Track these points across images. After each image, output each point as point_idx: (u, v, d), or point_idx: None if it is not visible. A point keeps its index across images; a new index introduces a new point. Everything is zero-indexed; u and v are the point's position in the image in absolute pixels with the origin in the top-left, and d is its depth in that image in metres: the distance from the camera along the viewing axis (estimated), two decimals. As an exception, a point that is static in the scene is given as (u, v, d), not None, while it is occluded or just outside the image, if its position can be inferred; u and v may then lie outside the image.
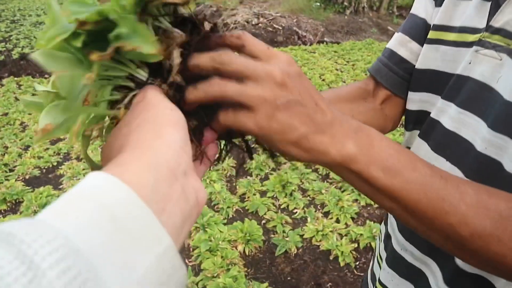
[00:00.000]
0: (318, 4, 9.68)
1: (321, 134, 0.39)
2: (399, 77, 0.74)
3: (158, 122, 0.31)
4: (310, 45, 7.58)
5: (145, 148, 0.29)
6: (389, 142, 0.42)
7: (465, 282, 0.59)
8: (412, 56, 0.73)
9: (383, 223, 0.90)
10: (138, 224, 0.24)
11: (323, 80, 5.39)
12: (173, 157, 0.29)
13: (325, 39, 8.00)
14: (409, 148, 0.74)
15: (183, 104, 0.37)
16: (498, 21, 0.55)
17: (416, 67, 0.71)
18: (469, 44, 0.60)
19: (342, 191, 2.87)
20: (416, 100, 0.71)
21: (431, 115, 0.66)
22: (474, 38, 0.59)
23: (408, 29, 0.75)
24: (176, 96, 0.37)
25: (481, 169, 0.55)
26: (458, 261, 0.59)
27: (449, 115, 0.62)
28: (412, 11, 0.76)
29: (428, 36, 0.69)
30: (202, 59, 0.38)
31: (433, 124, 0.65)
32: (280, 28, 8.01)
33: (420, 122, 0.71)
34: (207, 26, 0.41)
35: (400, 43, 0.75)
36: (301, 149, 0.39)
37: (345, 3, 9.47)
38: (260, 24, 8.08)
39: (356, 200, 2.77)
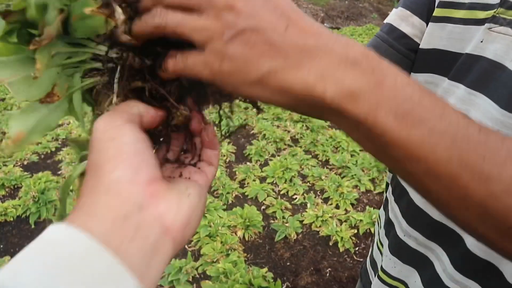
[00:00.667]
0: (318, -12, 9.58)
1: (297, 68, 0.29)
2: (400, 53, 0.70)
3: (99, 163, 0.29)
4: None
5: (87, 197, 0.28)
6: (408, 80, 0.30)
7: (475, 267, 0.57)
8: (414, 31, 0.69)
9: (382, 208, 0.88)
10: (97, 271, 0.24)
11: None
12: (117, 201, 0.27)
13: (325, 24, 7.92)
14: None
15: (136, 43, 0.33)
16: None
17: (420, 47, 0.68)
18: (480, 22, 0.57)
19: (342, 177, 2.86)
20: (420, 82, 0.69)
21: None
22: (486, 14, 0.56)
23: (409, 3, 0.70)
24: (144, 62, 0.33)
25: None
26: (469, 244, 0.57)
27: (456, 96, 0.59)
28: None
29: (434, 14, 0.65)
30: (138, 26, 0.32)
31: None
32: (280, 13, 7.95)
33: None
34: None
35: (401, 18, 0.71)
36: (271, 90, 0.30)
37: (346, -12, 9.36)
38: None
39: (356, 186, 2.77)
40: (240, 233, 2.35)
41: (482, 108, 0.55)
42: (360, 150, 3.18)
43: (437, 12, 0.65)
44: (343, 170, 2.93)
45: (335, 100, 0.29)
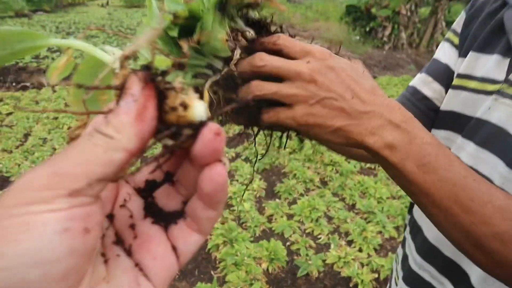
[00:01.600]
0: (358, 37, 9.86)
1: (359, 125, 0.43)
2: (421, 111, 0.86)
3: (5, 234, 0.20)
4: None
5: None
6: (432, 140, 0.45)
7: None
8: (434, 95, 0.85)
9: (400, 246, 1.00)
10: None
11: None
12: None
13: (362, 72, 8.12)
14: None
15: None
16: None
17: (440, 108, 0.83)
18: (488, 93, 0.72)
19: (367, 222, 2.94)
20: (440, 137, 0.83)
21: (451, 150, 0.78)
22: (494, 88, 0.71)
23: (431, 71, 0.86)
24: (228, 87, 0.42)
25: None
26: (474, 282, 0.68)
27: (467, 151, 0.73)
28: (435, 56, 0.89)
29: (453, 83, 0.80)
30: (243, 64, 0.43)
31: None
32: (318, 58, 8.21)
33: None
34: (272, 28, 0.45)
35: (424, 83, 0.87)
36: (340, 137, 0.44)
37: (385, 39, 9.60)
38: (299, 53, 8.31)
39: (380, 232, 2.84)
40: (264, 265, 2.46)
41: (489, 163, 0.69)
42: (386, 198, 3.26)
43: (455, 81, 0.80)
44: (368, 215, 3.01)
45: (379, 150, 0.44)
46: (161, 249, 0.26)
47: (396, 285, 0.95)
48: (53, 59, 7.71)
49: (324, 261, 2.55)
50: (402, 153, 0.44)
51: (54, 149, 4.08)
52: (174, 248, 0.27)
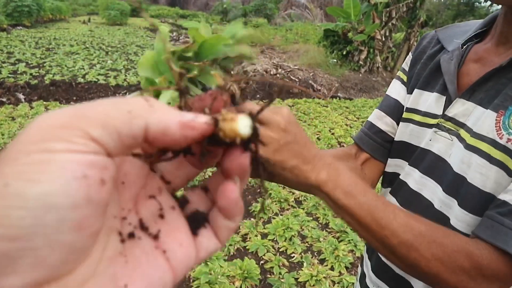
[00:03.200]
0: (335, 60, 10.14)
1: (306, 164, 0.57)
2: (377, 143, 0.96)
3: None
4: (324, 99, 7.92)
5: None
6: (350, 175, 0.60)
7: None
8: (387, 128, 0.95)
9: (359, 265, 1.08)
10: None
11: (333, 134, 5.63)
12: None
13: (339, 94, 8.35)
14: None
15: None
16: (450, 112, 0.77)
17: (394, 139, 0.92)
18: (430, 126, 0.82)
19: (339, 241, 3.02)
20: (392, 164, 0.92)
21: (400, 176, 0.87)
22: (434, 121, 0.81)
23: (384, 107, 0.97)
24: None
25: (437, 222, 0.75)
26: None
27: (413, 178, 0.82)
28: (387, 92, 0.99)
29: (403, 116, 0.91)
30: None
31: (401, 184, 0.86)
32: (297, 80, 8.40)
33: (391, 182, 0.92)
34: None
35: (378, 117, 0.97)
36: (292, 174, 0.56)
37: (361, 62, 9.91)
38: (278, 75, 8.49)
39: (352, 250, 2.92)
40: (238, 284, 2.49)
41: (431, 189, 0.78)
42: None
43: (405, 114, 0.90)
44: (341, 234, 3.10)
45: (317, 183, 0.57)
46: (187, 239, 0.28)
47: (365, 275, 1.02)
48: (31, 74, 7.67)
49: (296, 279, 2.61)
50: (333, 185, 0.57)
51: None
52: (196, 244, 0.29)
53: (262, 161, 0.53)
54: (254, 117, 0.28)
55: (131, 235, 0.26)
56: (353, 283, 2.55)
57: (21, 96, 6.44)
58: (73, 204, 0.20)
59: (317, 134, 5.59)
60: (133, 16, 23.61)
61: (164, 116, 0.24)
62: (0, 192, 0.19)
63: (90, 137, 0.21)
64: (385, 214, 0.58)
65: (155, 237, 0.27)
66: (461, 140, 0.73)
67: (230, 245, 2.86)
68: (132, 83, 7.85)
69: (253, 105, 0.47)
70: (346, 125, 6.13)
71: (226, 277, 2.50)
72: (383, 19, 9.78)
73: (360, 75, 9.66)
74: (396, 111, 0.94)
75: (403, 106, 0.92)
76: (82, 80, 7.74)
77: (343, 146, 5.24)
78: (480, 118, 0.70)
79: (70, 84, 7.39)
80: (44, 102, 6.25)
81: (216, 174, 0.31)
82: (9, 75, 7.47)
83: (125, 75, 8.44)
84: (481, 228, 0.62)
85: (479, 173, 0.67)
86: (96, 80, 7.85)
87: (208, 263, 2.57)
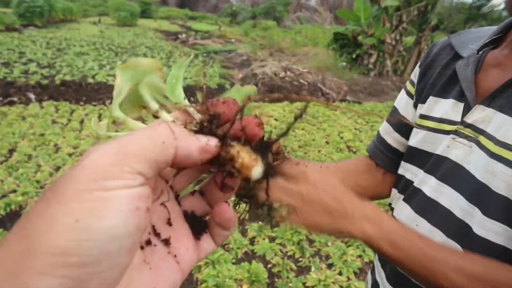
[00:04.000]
0: (344, 64, 10.11)
1: (343, 220, 0.59)
2: (389, 159, 0.97)
3: (43, 239, 0.23)
4: (333, 102, 7.90)
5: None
6: (394, 223, 0.62)
7: None
8: (396, 144, 0.96)
9: (369, 273, 1.06)
10: None
11: (341, 138, 5.61)
12: None
13: (348, 98, 8.31)
14: (393, 208, 0.93)
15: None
16: (469, 119, 0.76)
17: (408, 144, 0.91)
18: (446, 132, 0.80)
19: (348, 246, 2.99)
20: (406, 169, 0.91)
21: (414, 184, 0.86)
22: (451, 128, 0.79)
23: (393, 122, 0.97)
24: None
25: (457, 231, 0.74)
26: None
27: (429, 185, 0.81)
28: (395, 104, 0.99)
29: (417, 122, 0.90)
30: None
31: (416, 191, 0.84)
32: (306, 83, 8.39)
33: (405, 188, 0.90)
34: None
35: (387, 132, 0.98)
36: (332, 231, 0.60)
37: (370, 66, 9.87)
38: (286, 78, 8.48)
39: (360, 256, 2.89)
40: (245, 287, 2.48)
41: (449, 197, 0.76)
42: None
43: (418, 121, 0.89)
44: (349, 239, 3.07)
45: (359, 238, 0.59)
46: (191, 243, 0.33)
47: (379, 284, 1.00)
48: (42, 74, 7.75)
49: (304, 284, 2.59)
50: (377, 237, 0.59)
51: (39, 165, 4.07)
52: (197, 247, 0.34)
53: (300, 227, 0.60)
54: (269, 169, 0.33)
55: (148, 242, 0.30)
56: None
57: (32, 96, 6.49)
58: (129, 233, 0.24)
59: (326, 138, 5.56)
60: (143, 17, 23.78)
61: (187, 143, 0.28)
62: (73, 227, 0.22)
63: (136, 172, 0.25)
64: (436, 260, 0.60)
65: (167, 243, 0.31)
66: (482, 147, 0.72)
67: (238, 248, 2.85)
68: (142, 84, 7.89)
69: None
70: (355, 129, 6.10)
71: (233, 281, 2.49)
72: (394, 23, 9.74)
73: (370, 78, 9.61)
74: (403, 128, 0.95)
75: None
76: (92, 80, 7.79)
77: (352, 150, 5.22)
78: (504, 125, 0.69)
79: (80, 84, 7.45)
80: (54, 102, 6.30)
81: (210, 180, 0.35)
82: (21, 75, 7.55)
83: (135, 76, 8.49)
84: None
85: (505, 182, 0.66)
86: (106, 81, 7.90)
87: (216, 266, 2.56)
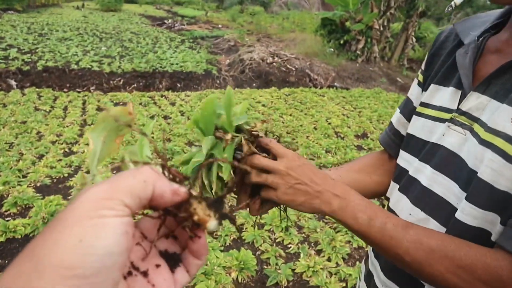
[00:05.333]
0: (332, 50, 10.06)
1: (315, 199, 0.66)
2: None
3: (49, 259, 0.28)
4: (321, 88, 7.87)
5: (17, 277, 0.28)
6: (360, 201, 0.67)
7: None
8: None
9: (363, 262, 1.04)
10: None
11: (329, 123, 5.59)
12: None
13: (335, 84, 8.29)
14: (389, 198, 0.90)
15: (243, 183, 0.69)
16: (465, 106, 0.73)
17: (407, 131, 0.88)
18: (443, 120, 0.78)
19: (336, 232, 2.99)
20: (403, 158, 0.88)
21: (409, 173, 0.83)
22: (447, 116, 0.77)
23: (405, 112, 0.94)
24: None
25: (450, 218, 0.71)
26: None
27: (425, 174, 0.78)
28: (409, 94, 0.95)
29: (416, 110, 0.87)
30: (247, 162, 0.66)
31: (411, 180, 0.81)
32: (293, 69, 8.32)
33: (400, 177, 0.87)
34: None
35: (400, 123, 0.95)
36: (305, 207, 0.67)
37: (358, 52, 9.84)
38: (274, 64, 8.41)
39: (349, 241, 2.89)
40: (234, 275, 2.46)
41: (444, 185, 0.73)
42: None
43: (418, 108, 0.86)
44: (338, 225, 3.06)
45: (330, 213, 0.67)
46: (168, 275, 0.38)
47: (373, 276, 0.98)
48: (23, 60, 7.53)
49: (293, 270, 2.58)
50: (343, 213, 0.66)
51: (21, 154, 3.97)
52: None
53: (275, 201, 0.69)
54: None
55: (130, 273, 0.35)
56: (350, 274, 2.53)
57: (13, 83, 6.32)
58: (120, 251, 0.29)
59: (314, 124, 5.54)
60: (128, 2, 23.28)
61: (163, 184, 0.34)
62: (77, 245, 0.27)
63: (125, 204, 0.31)
64: (395, 233, 0.64)
65: (145, 274, 0.36)
66: (475, 135, 0.69)
67: (226, 235, 2.82)
68: (127, 70, 7.74)
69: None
70: (343, 114, 6.09)
71: (222, 268, 2.46)
72: (382, 9, 9.69)
73: (357, 64, 9.59)
74: None
75: None
76: (75, 66, 7.62)
77: (340, 135, 5.21)
78: (495, 112, 0.66)
79: (63, 70, 7.27)
80: (37, 89, 6.14)
81: (183, 228, 0.40)
82: (1, 61, 7.33)
83: (120, 62, 8.32)
84: (504, 238, 0.60)
85: (490, 168, 0.63)
86: (90, 66, 7.73)
87: (204, 253, 2.53)
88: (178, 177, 0.39)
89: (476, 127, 0.69)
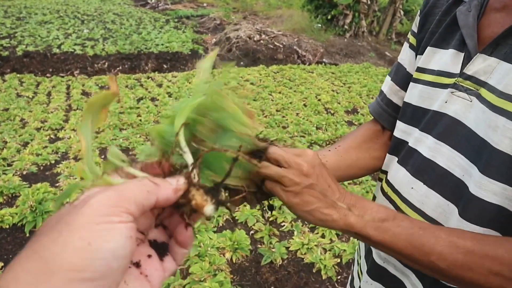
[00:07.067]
0: (320, 25, 9.92)
1: (330, 208, 0.56)
2: (392, 117, 0.88)
3: (60, 259, 0.28)
4: (309, 64, 7.78)
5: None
6: (378, 208, 0.58)
7: None
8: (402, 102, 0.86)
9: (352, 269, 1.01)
10: None
11: (319, 100, 5.54)
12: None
13: (324, 60, 8.20)
14: (386, 172, 0.85)
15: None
16: (470, 70, 0.67)
17: (404, 100, 0.83)
18: (444, 86, 0.72)
19: (329, 208, 2.98)
20: (400, 129, 0.83)
21: (409, 144, 0.78)
22: (450, 81, 0.71)
23: (397, 78, 0.88)
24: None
25: (454, 191, 0.67)
26: None
27: (426, 145, 0.73)
28: (399, 59, 0.89)
29: (413, 76, 0.81)
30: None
31: (411, 152, 0.76)
32: (281, 46, 8.20)
33: (399, 149, 0.82)
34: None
35: (392, 91, 0.89)
36: (313, 216, 0.56)
37: (346, 27, 9.72)
38: (261, 41, 8.27)
39: (342, 217, 2.88)
40: (228, 255, 2.44)
41: (447, 156, 0.69)
42: (348, 183, 3.31)
43: (415, 74, 0.80)
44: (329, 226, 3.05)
45: (344, 227, 0.56)
46: (158, 264, 0.39)
47: (359, 278, 0.95)
48: (1, 45, 7.30)
49: (287, 248, 2.57)
50: (361, 224, 0.56)
51: (5, 142, 3.86)
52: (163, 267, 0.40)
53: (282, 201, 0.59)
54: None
55: None
56: (344, 250, 2.53)
57: (-7, 68, 6.13)
58: (125, 255, 0.31)
59: (304, 101, 5.49)
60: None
61: (166, 190, 0.37)
62: (86, 249, 0.28)
63: (129, 212, 0.32)
64: (425, 239, 0.56)
65: (138, 265, 0.37)
66: (483, 100, 0.63)
67: (219, 216, 2.79)
68: (111, 53, 7.55)
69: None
70: (333, 90, 6.04)
71: (216, 249, 2.44)
72: (368, -19, 9.53)
73: (345, 40, 9.49)
74: (408, 82, 0.84)
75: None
76: (57, 50, 7.41)
77: (330, 111, 5.17)
78: (508, 75, 0.61)
79: (45, 55, 7.06)
80: (18, 75, 5.97)
81: (173, 216, 0.42)
82: (-22, 47, 7.10)
83: (103, 45, 8.11)
84: None
85: (508, 138, 0.58)
86: (73, 50, 7.53)
87: (197, 235, 2.51)
88: (172, 168, 0.42)
89: (484, 92, 0.64)
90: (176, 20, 11.77)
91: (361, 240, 0.59)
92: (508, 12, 0.66)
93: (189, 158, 0.43)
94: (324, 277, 2.37)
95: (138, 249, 0.38)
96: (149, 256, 0.38)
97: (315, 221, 0.57)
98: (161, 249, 0.40)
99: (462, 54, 0.70)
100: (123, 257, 0.30)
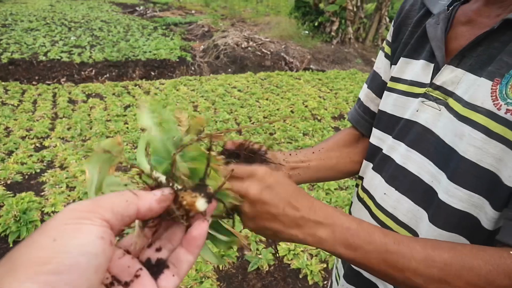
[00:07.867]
0: (307, 32, 10.01)
1: (293, 228, 0.54)
2: (370, 124, 0.91)
3: (27, 255, 0.29)
4: (296, 71, 7.83)
5: None
6: (350, 223, 0.56)
7: None
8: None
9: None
10: None
11: (306, 106, 5.58)
12: None
13: (311, 66, 8.27)
14: (362, 178, 0.88)
15: None
16: (439, 80, 0.70)
17: (379, 107, 0.86)
18: (416, 95, 0.75)
19: (316, 214, 3.00)
20: (376, 136, 0.86)
21: (383, 151, 0.81)
22: (421, 90, 0.74)
23: (373, 86, 0.91)
24: None
25: (424, 197, 0.69)
26: None
27: (399, 152, 0.76)
28: (375, 67, 0.92)
29: (388, 85, 0.84)
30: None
31: (385, 159, 0.79)
32: (269, 53, 8.25)
33: (373, 156, 0.85)
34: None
35: (369, 99, 0.92)
36: (281, 238, 0.56)
37: (333, 33, 9.82)
38: (249, 48, 8.31)
39: (328, 223, 2.91)
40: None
41: (418, 163, 0.71)
42: (334, 189, 3.34)
43: (389, 84, 0.84)
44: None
45: (315, 244, 0.55)
46: (150, 283, 0.37)
47: (337, 282, 0.97)
48: (-13, 54, 7.21)
49: (274, 254, 2.58)
50: (331, 242, 0.54)
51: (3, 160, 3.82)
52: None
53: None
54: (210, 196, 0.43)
55: (112, 284, 0.36)
56: (330, 255, 2.55)
57: (-22, 76, 6.05)
58: (96, 252, 0.30)
59: (291, 107, 5.53)
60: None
61: (147, 200, 0.37)
62: (51, 244, 0.29)
63: (104, 218, 0.33)
64: (400, 255, 0.54)
65: (127, 285, 0.36)
66: (450, 110, 0.67)
67: (206, 223, 2.79)
68: (98, 60, 7.52)
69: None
70: (320, 97, 6.09)
71: (201, 257, 2.44)
72: (354, -11, 9.65)
73: (332, 46, 9.58)
74: (384, 90, 0.88)
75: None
76: (44, 58, 7.34)
77: (317, 118, 5.21)
78: (472, 86, 0.64)
79: (31, 62, 7.00)
80: (3, 83, 5.90)
81: (176, 220, 0.41)
82: (-37, 55, 7.00)
83: (90, 52, 8.06)
84: (508, 233, 0.56)
85: (473, 146, 0.61)
86: (60, 57, 7.47)
87: (183, 243, 2.50)
88: (155, 183, 0.43)
89: (452, 102, 0.67)
90: (164, 27, 11.76)
91: (335, 255, 0.58)
92: (473, 26, 0.69)
93: (162, 177, 0.43)
94: (310, 282, 2.38)
95: (128, 269, 0.37)
96: (137, 276, 0.37)
97: (284, 240, 0.57)
98: (155, 268, 0.39)
99: (432, 65, 0.73)
100: (92, 254, 0.30)
